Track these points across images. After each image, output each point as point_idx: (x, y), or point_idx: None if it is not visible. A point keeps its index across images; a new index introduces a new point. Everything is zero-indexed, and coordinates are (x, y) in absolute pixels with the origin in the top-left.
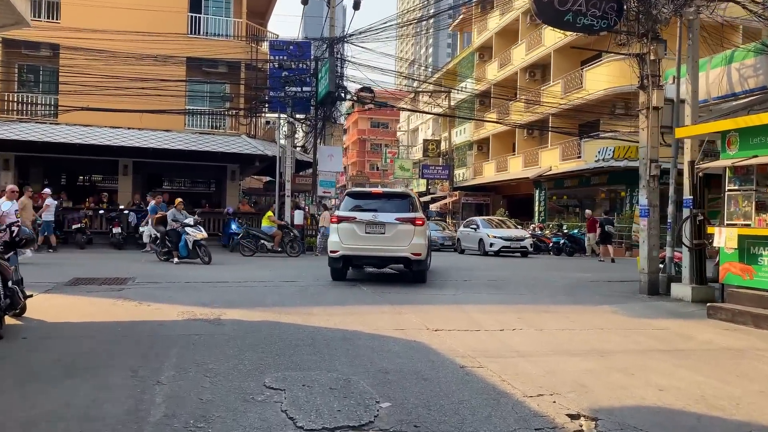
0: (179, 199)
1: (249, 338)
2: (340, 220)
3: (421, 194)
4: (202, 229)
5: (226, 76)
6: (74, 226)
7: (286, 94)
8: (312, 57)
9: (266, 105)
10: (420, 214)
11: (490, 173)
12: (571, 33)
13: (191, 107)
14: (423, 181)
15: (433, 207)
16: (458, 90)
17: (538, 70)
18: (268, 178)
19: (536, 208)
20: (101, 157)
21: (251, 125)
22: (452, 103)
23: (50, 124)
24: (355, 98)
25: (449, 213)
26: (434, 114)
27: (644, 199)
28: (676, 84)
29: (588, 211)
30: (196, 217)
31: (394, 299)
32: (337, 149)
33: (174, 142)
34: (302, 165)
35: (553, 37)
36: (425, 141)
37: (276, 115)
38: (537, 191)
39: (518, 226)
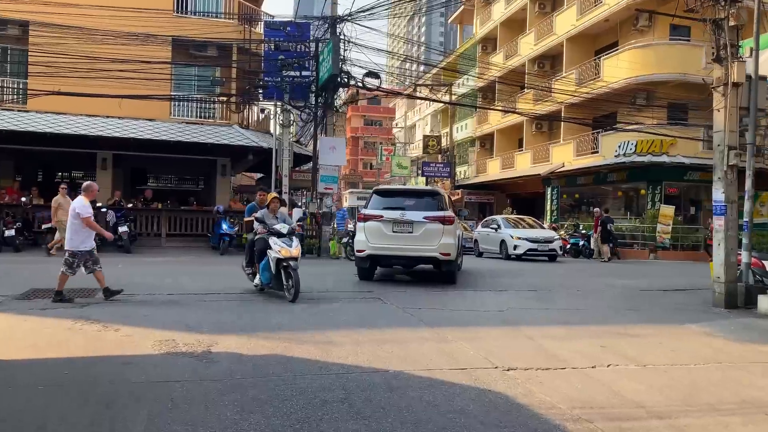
0: (273, 194)
1: (253, 389)
2: (367, 218)
3: None
4: (295, 241)
5: (216, 60)
6: (44, 226)
7: (283, 79)
8: (311, 38)
9: (261, 91)
10: (450, 213)
11: (494, 171)
12: (585, 20)
13: (178, 93)
14: (422, 180)
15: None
16: (460, 84)
17: (548, 61)
18: (259, 175)
19: (548, 207)
20: (77, 149)
21: (244, 115)
22: (454, 98)
23: (18, 111)
24: (360, 84)
25: None
26: (445, 103)
27: (720, 194)
28: (754, 57)
29: (596, 210)
30: (294, 222)
31: (429, 317)
32: (340, 140)
33: (159, 132)
34: (300, 159)
35: (566, 25)
36: (425, 137)
37: (271, 103)
38: (549, 189)
39: (543, 226)
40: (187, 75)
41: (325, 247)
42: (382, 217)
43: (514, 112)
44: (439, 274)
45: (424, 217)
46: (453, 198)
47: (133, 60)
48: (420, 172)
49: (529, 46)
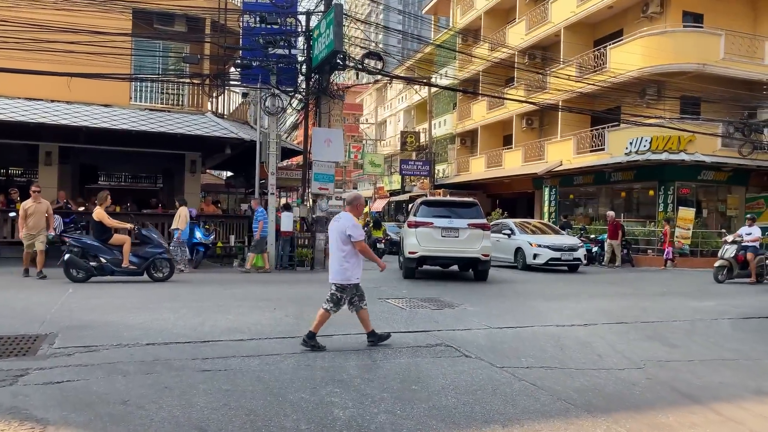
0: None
1: None
2: (418, 225)
3: (394, 192)
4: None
5: (186, 35)
6: None
7: (269, 59)
8: (300, 11)
9: (242, 72)
10: (486, 221)
11: (478, 169)
12: (587, 7)
13: (140, 74)
14: (396, 178)
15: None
16: (442, 75)
17: (539, 53)
18: (228, 173)
19: (546, 209)
20: (13, 141)
21: (218, 101)
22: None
23: None
24: (360, 65)
25: None
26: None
27: None
28: None
29: (610, 213)
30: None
31: (556, 385)
32: (337, 132)
33: (116, 120)
34: (284, 155)
35: (563, 12)
36: (403, 133)
37: (253, 87)
38: (546, 189)
39: (561, 231)
40: (152, 52)
41: (319, 258)
42: (432, 224)
43: (529, 103)
44: (476, 273)
45: (468, 224)
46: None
47: (86, 30)
48: (393, 170)
49: (518, 37)
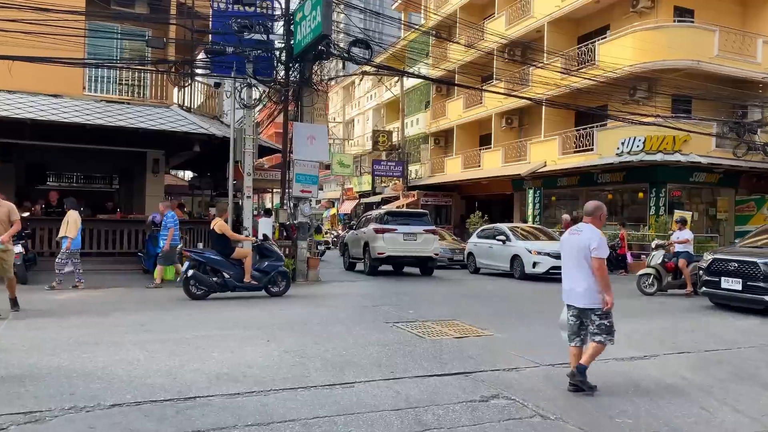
0: None
1: None
2: (385, 231)
3: (364, 194)
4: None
5: (148, 18)
6: None
7: (242, 44)
8: None
9: (214, 58)
10: (434, 227)
11: (454, 170)
12: (571, 0)
13: (95, 60)
14: (366, 179)
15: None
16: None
17: (519, 49)
18: (191, 174)
19: (530, 212)
20: None
21: (185, 92)
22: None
23: None
24: (345, 55)
25: None
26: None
27: None
28: None
29: (566, 216)
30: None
31: None
32: (321, 128)
33: (68, 112)
34: (260, 153)
35: (548, 7)
36: (375, 132)
37: (223, 77)
38: (531, 191)
39: (556, 237)
40: (109, 34)
41: (301, 270)
42: (396, 230)
43: (521, 97)
44: (424, 269)
45: (423, 230)
46: (408, 200)
47: (31, 6)
48: (362, 170)
49: (499, 31)
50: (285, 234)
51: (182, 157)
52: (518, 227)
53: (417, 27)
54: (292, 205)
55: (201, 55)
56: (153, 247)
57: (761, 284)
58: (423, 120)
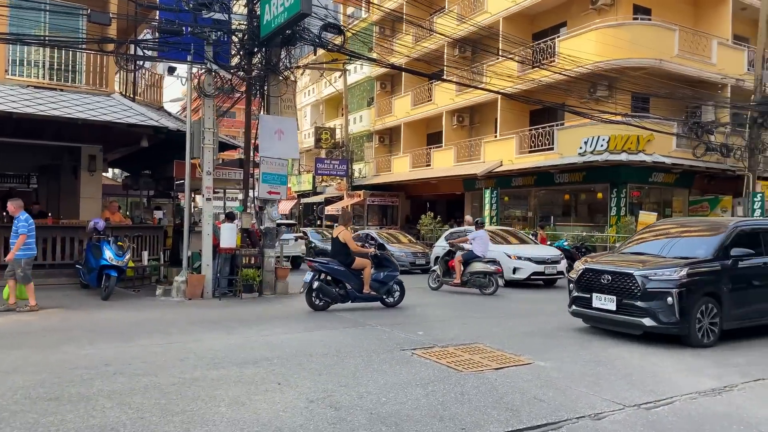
0: None
1: None
2: None
3: (303, 194)
4: None
5: None
6: None
7: (197, 22)
8: None
9: (168, 38)
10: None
11: (402, 169)
12: None
13: (19, 36)
14: (305, 178)
15: (330, 210)
16: (356, 69)
17: (469, 45)
18: (124, 173)
19: (487, 212)
20: None
21: (129, 78)
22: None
23: None
24: (317, 40)
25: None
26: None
27: None
28: None
29: (468, 218)
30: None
31: None
32: (290, 121)
33: None
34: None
35: (503, 1)
36: (318, 128)
37: (179, 62)
38: (488, 192)
39: (534, 240)
40: (36, 5)
41: (269, 281)
42: None
43: (491, 91)
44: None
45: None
46: (354, 201)
47: None
48: (301, 169)
49: (450, 27)
50: (249, 241)
51: (120, 153)
52: (488, 230)
53: (360, 20)
54: (257, 207)
55: (149, 38)
56: (94, 258)
57: (638, 303)
58: (367, 117)
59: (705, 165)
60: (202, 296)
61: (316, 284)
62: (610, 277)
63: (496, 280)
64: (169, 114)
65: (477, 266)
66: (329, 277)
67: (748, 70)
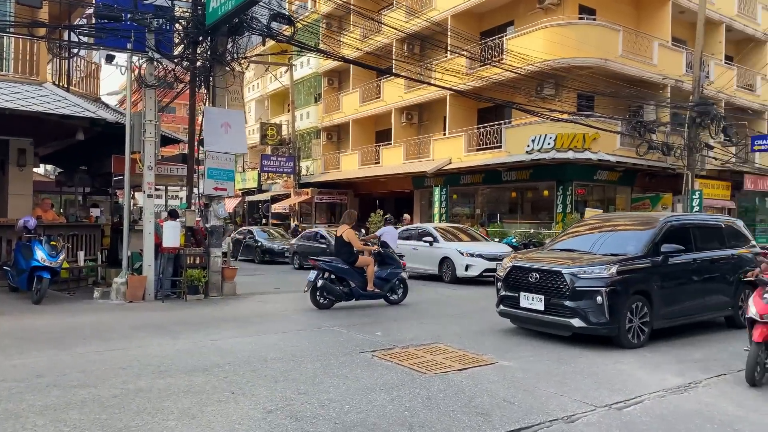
0: None
1: None
2: None
3: (248, 192)
4: None
5: None
6: None
7: (139, 8)
8: None
9: (106, 23)
10: None
11: (351, 167)
12: None
13: None
14: (250, 175)
15: (277, 208)
16: (303, 64)
17: (418, 42)
18: (57, 169)
19: (436, 210)
20: None
21: (63, 67)
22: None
23: None
24: (266, 30)
25: (295, 215)
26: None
27: None
28: None
29: (406, 216)
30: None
31: None
32: (237, 114)
33: None
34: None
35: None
36: (263, 124)
37: (124, 49)
38: (437, 189)
39: (484, 237)
40: None
41: (215, 282)
42: None
43: (443, 88)
44: None
45: None
46: (301, 199)
47: None
48: (245, 166)
49: (398, 24)
50: (193, 240)
51: (53, 147)
52: (440, 227)
53: (306, 13)
54: (202, 204)
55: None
56: (25, 259)
57: (567, 303)
58: (314, 113)
59: (647, 163)
60: (143, 298)
61: (320, 282)
62: (538, 276)
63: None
64: (107, 106)
65: None
66: (333, 276)
67: (687, 71)
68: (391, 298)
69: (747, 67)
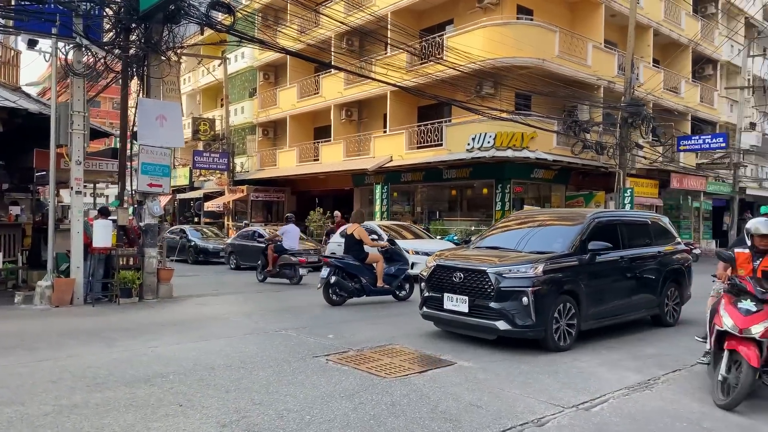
0: None
1: None
2: None
3: (179, 189)
4: None
5: None
6: None
7: None
8: None
9: (27, 6)
10: None
11: (289, 164)
12: None
13: None
14: (181, 172)
15: (210, 206)
16: (237, 57)
17: (357, 38)
18: None
19: (377, 208)
20: None
21: None
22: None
23: None
24: (204, 19)
25: (229, 213)
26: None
27: None
28: None
29: (337, 213)
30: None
31: None
32: (173, 105)
33: None
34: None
35: None
36: (195, 119)
37: (48, 34)
38: (378, 187)
39: (430, 235)
40: None
41: (150, 284)
42: None
43: (390, 84)
44: None
45: None
46: (236, 196)
47: None
48: (176, 163)
49: (338, 15)
50: (126, 239)
51: None
52: (384, 225)
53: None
54: (135, 202)
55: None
56: None
57: (492, 304)
58: (249, 109)
59: (581, 162)
60: (71, 303)
61: (333, 279)
62: (462, 275)
63: (298, 270)
64: (29, 96)
65: (284, 258)
66: (344, 273)
67: (618, 73)
68: (399, 294)
69: (674, 71)
